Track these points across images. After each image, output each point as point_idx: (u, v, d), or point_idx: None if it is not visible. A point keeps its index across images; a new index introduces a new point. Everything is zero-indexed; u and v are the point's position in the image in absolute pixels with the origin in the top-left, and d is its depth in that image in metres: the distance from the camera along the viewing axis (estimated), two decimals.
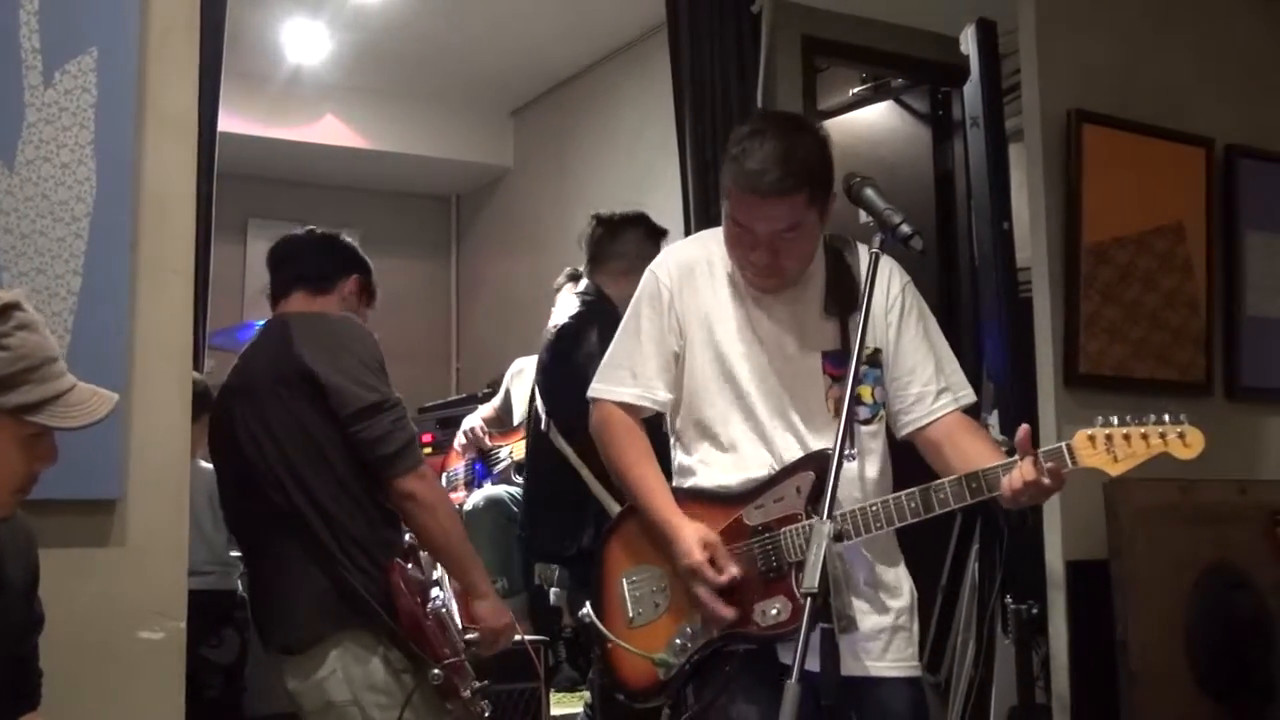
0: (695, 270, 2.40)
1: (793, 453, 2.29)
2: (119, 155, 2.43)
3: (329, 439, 2.56)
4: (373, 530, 2.55)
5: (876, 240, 2.14)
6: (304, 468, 2.56)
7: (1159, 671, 3.54)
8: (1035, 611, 3.61)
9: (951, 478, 2.17)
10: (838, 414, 2.23)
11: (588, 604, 2.36)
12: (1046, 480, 2.10)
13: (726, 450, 2.33)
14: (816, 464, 2.23)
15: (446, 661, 2.51)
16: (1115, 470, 2.12)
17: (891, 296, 2.40)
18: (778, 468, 2.28)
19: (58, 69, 2.39)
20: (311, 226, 2.99)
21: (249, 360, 2.74)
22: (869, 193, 2.21)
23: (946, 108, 5.10)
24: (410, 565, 2.60)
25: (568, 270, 4.51)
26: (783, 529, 2.22)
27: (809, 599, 1.78)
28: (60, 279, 2.36)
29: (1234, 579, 3.72)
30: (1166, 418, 2.12)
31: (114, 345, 2.38)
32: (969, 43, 4.05)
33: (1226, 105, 4.19)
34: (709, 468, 2.34)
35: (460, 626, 2.66)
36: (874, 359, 2.37)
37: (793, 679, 1.71)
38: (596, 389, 2.43)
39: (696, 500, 2.31)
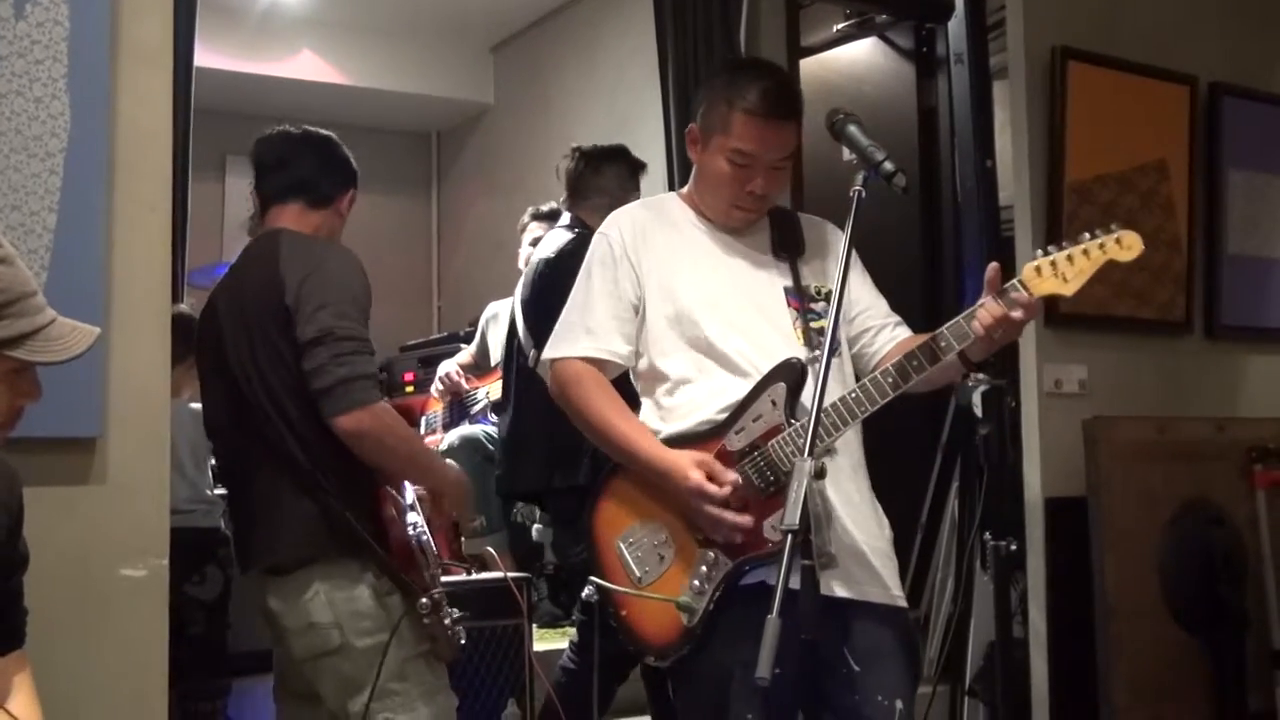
0: (646, 225, 2.42)
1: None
2: (93, 89, 2.39)
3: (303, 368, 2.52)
4: (357, 460, 2.54)
5: (859, 178, 2.13)
6: (285, 400, 2.53)
7: (1135, 606, 3.59)
8: (1014, 548, 3.64)
9: (917, 344, 2.19)
10: (807, 344, 2.28)
11: (591, 578, 2.31)
12: (1016, 313, 2.13)
13: (694, 388, 2.31)
14: (784, 373, 2.22)
15: (434, 591, 2.52)
16: (1068, 290, 2.16)
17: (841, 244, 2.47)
18: (746, 389, 2.27)
19: (29, 1, 2.35)
20: (306, 126, 2.88)
21: (240, 278, 2.68)
22: (852, 130, 2.21)
23: (930, 44, 5.07)
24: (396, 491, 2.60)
25: (531, 210, 4.48)
26: (769, 443, 2.20)
27: (790, 536, 1.78)
28: (36, 215, 2.33)
29: (1210, 515, 3.76)
30: (1098, 231, 2.17)
31: (91, 282, 2.36)
32: None
33: (1211, 43, 4.18)
34: (680, 410, 2.32)
35: (437, 554, 2.66)
36: (827, 298, 2.38)
37: (774, 613, 1.72)
38: (551, 352, 2.39)
39: (676, 444, 2.28)
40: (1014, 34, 3.86)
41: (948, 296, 4.86)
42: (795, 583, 1.84)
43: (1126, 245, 2.16)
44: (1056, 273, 2.15)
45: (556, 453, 3.57)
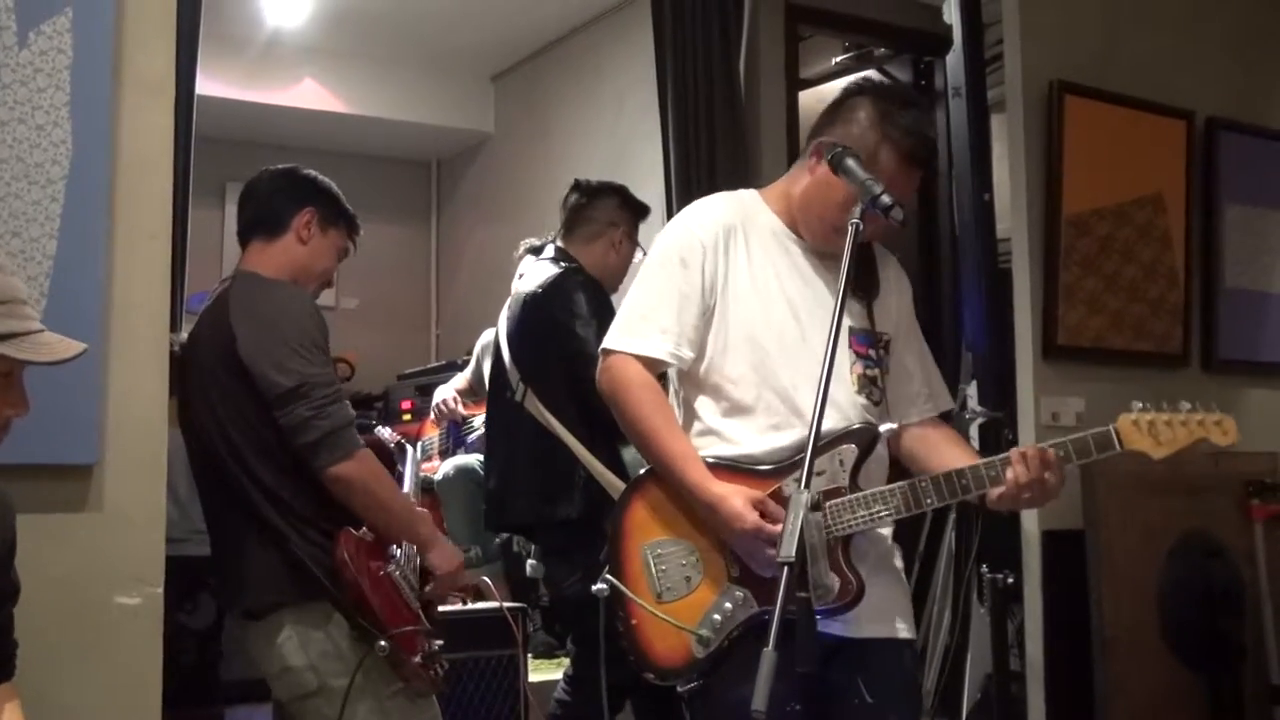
0: (734, 231, 2.33)
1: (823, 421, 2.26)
2: (95, 118, 2.40)
3: (264, 419, 2.50)
4: (319, 504, 2.52)
5: (857, 211, 2.13)
6: (244, 447, 2.52)
7: (1132, 638, 3.58)
8: (1011, 581, 3.64)
9: (934, 474, 2.19)
10: (860, 390, 2.28)
11: (607, 575, 2.25)
12: (1050, 477, 2.14)
13: (749, 417, 2.27)
14: (859, 438, 2.20)
15: (394, 632, 2.49)
16: (1158, 454, 2.19)
17: (905, 296, 2.46)
18: (806, 436, 2.24)
19: (32, 29, 2.36)
20: (271, 166, 2.86)
21: (200, 327, 2.68)
22: (850, 163, 2.19)
23: (929, 77, 5.10)
24: (363, 530, 2.56)
25: (525, 244, 4.48)
26: (828, 503, 2.17)
27: (786, 568, 1.77)
28: (36, 242, 2.34)
29: (1208, 548, 3.76)
30: (1199, 407, 2.23)
31: (91, 309, 2.37)
32: (952, 12, 4.04)
33: (1208, 77, 4.20)
34: (731, 435, 2.28)
35: (417, 585, 2.64)
36: (886, 344, 2.37)
37: (770, 646, 1.71)
38: (618, 341, 2.29)
39: (730, 472, 2.24)
40: (1012, 68, 3.88)
41: (945, 328, 4.87)
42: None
43: (1225, 430, 2.22)
44: (1154, 434, 2.19)
45: (545, 486, 3.54)
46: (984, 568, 3.74)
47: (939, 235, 4.98)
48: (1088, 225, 3.84)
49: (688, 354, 2.29)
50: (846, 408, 2.25)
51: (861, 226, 2.11)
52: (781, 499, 2.18)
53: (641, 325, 2.29)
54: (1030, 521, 3.70)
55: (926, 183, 5.03)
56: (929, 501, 2.18)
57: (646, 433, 2.25)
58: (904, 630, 2.31)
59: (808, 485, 1.88)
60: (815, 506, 1.90)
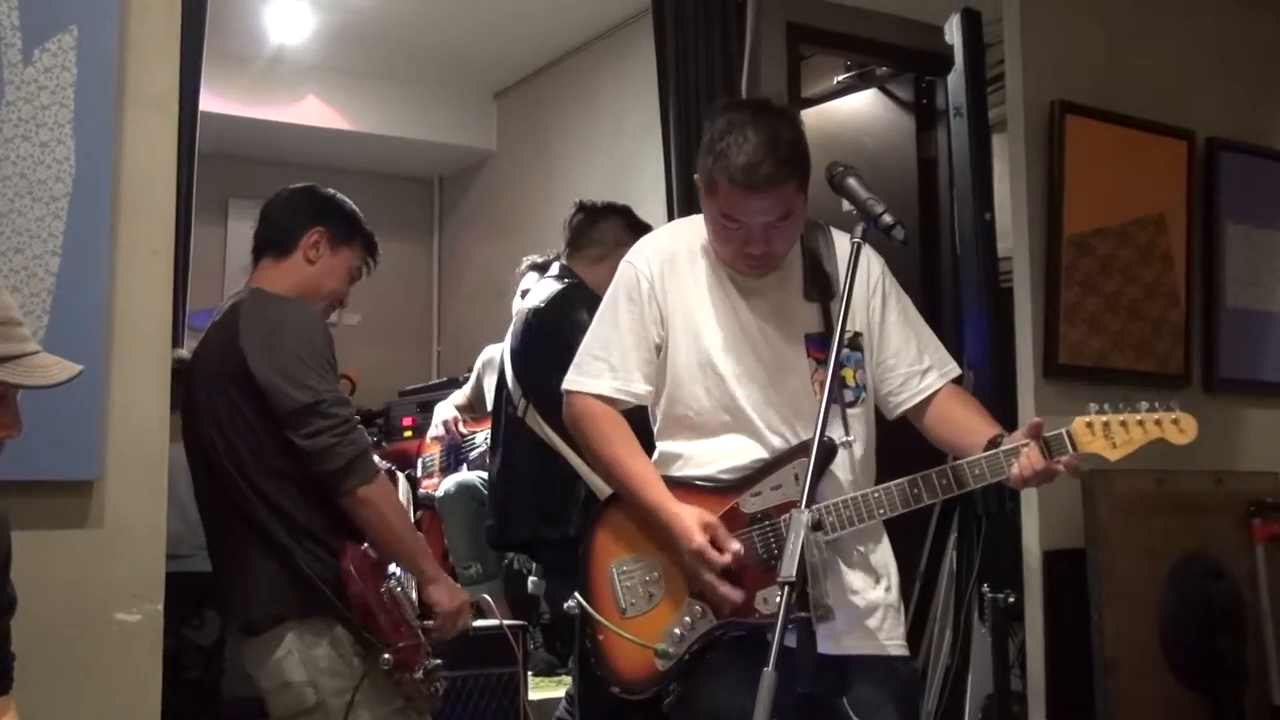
0: (676, 259, 2.38)
1: (781, 439, 2.27)
2: (99, 135, 2.41)
3: (271, 434, 2.52)
4: (323, 517, 2.53)
5: (859, 230, 2.14)
6: (249, 461, 2.54)
7: (1134, 659, 3.57)
8: (1011, 600, 3.63)
9: (930, 471, 2.20)
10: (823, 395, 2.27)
11: (576, 594, 2.32)
12: (1059, 467, 2.15)
13: (712, 440, 2.31)
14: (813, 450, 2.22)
15: (398, 645, 2.50)
16: (1114, 455, 2.18)
17: (872, 281, 2.42)
18: (766, 455, 2.27)
19: (37, 47, 2.37)
20: (295, 185, 2.87)
21: (208, 342, 2.70)
22: (851, 182, 2.22)
23: (930, 97, 5.10)
24: (365, 545, 2.58)
25: (528, 261, 4.50)
26: (782, 516, 2.19)
27: (786, 588, 1.78)
28: (39, 259, 2.34)
29: (1209, 568, 3.75)
30: (1157, 405, 2.19)
31: (93, 326, 2.37)
32: (954, 32, 4.06)
33: (1209, 98, 4.20)
34: (696, 459, 2.32)
35: (416, 603, 2.64)
36: (854, 342, 2.37)
37: (770, 666, 1.71)
38: (572, 381, 2.38)
39: (688, 489, 2.28)
40: (1013, 88, 3.88)
41: (947, 347, 4.87)
42: (791, 640, 1.83)
43: (1182, 429, 2.18)
44: (1108, 435, 2.17)
45: (545, 503, 3.54)
46: (985, 587, 3.73)
47: (940, 254, 4.98)
48: (1089, 245, 3.85)
49: (640, 388, 2.35)
50: (805, 422, 2.25)
51: (863, 245, 2.13)
52: (737, 513, 2.24)
53: (593, 365, 2.37)
54: (1031, 541, 3.70)
55: (927, 202, 5.04)
56: (914, 494, 2.20)
57: (607, 458, 2.33)
58: (894, 647, 2.31)
59: (808, 506, 1.88)
60: (817, 526, 1.90)
